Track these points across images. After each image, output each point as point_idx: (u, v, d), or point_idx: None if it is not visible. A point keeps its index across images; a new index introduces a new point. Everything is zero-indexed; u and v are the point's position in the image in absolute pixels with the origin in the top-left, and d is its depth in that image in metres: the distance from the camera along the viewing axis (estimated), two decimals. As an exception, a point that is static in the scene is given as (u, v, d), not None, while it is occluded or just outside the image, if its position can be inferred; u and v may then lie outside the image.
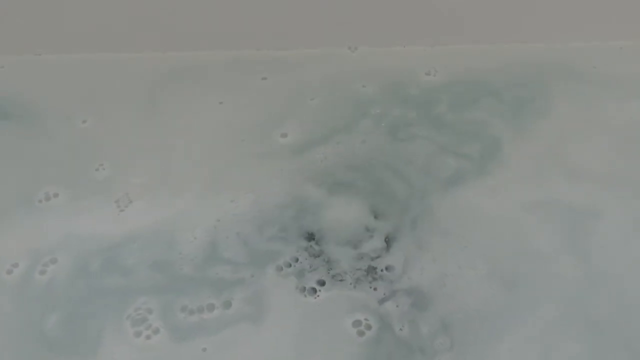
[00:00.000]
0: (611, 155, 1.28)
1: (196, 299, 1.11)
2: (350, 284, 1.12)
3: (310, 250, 1.17)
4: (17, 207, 1.24)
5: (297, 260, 1.15)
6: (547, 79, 1.43)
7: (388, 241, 1.18)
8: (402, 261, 1.14)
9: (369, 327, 1.07)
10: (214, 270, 1.14)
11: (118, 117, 1.39)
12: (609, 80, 1.42)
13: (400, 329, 1.07)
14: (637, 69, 1.44)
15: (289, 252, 1.16)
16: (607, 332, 1.05)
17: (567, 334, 1.05)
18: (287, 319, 1.08)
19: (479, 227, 1.19)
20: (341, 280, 1.13)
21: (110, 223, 1.21)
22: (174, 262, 1.15)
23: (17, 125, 1.39)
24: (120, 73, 1.48)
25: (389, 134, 1.34)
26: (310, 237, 1.19)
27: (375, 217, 1.21)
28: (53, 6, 1.46)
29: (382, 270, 1.14)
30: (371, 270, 1.14)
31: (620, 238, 1.16)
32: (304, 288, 1.12)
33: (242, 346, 1.06)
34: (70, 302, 1.11)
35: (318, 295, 1.11)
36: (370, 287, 1.12)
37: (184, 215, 1.21)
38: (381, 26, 1.49)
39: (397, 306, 1.09)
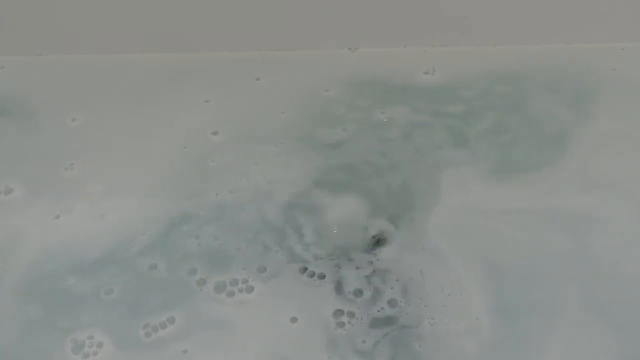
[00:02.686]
0: (633, 162, 1.26)
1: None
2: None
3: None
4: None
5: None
6: (553, 81, 1.41)
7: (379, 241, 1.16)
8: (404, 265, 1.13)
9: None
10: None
11: (107, 117, 1.39)
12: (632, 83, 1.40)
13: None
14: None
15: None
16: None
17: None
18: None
19: (485, 232, 1.17)
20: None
21: (40, 230, 1.20)
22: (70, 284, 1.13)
23: (9, 120, 1.39)
24: (118, 74, 1.48)
25: (386, 133, 1.33)
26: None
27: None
28: (55, 9, 1.47)
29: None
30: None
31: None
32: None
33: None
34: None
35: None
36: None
37: (109, 234, 1.19)
38: (381, 27, 1.49)
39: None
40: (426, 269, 1.12)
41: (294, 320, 1.08)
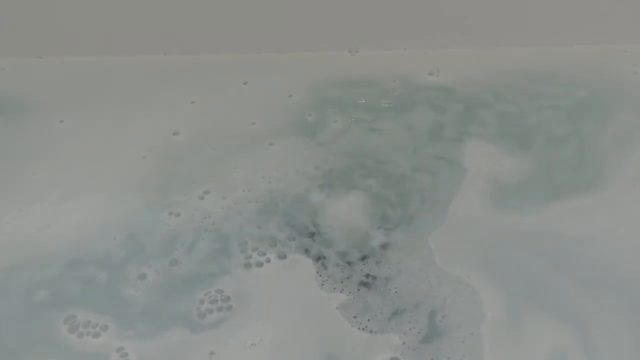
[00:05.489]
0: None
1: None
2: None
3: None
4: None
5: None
6: (560, 82, 1.41)
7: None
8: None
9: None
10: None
11: (92, 119, 1.38)
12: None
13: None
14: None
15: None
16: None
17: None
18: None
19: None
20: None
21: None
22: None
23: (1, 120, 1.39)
24: (115, 75, 1.48)
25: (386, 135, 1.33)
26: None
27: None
28: (55, 11, 1.47)
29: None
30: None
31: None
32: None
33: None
34: None
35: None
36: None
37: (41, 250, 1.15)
38: (382, 29, 1.49)
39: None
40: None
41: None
